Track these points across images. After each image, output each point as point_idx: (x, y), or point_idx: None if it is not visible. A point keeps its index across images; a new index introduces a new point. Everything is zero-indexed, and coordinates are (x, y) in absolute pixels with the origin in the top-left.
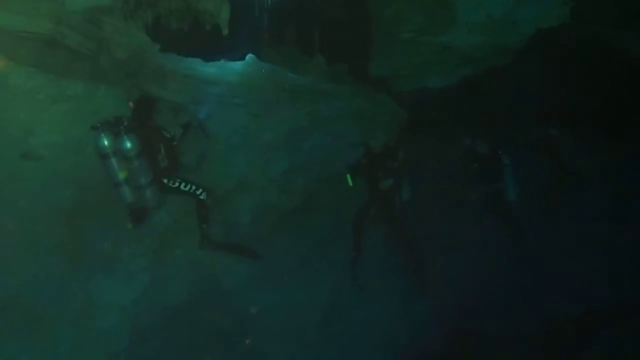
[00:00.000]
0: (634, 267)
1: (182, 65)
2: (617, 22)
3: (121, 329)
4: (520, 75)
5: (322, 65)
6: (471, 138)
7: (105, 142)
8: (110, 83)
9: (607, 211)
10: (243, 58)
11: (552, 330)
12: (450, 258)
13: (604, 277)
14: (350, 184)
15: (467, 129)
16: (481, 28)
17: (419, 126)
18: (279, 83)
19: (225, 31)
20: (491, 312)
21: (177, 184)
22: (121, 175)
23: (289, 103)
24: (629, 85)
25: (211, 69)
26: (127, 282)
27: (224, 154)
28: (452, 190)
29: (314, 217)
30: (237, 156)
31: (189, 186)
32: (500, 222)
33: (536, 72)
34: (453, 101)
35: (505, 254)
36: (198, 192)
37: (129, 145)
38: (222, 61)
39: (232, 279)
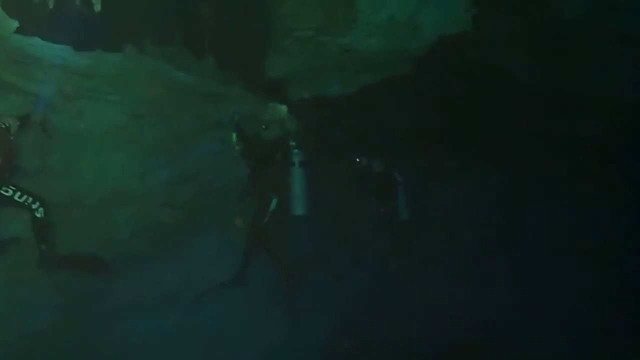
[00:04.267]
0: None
1: (48, 52)
2: (508, 43)
3: None
4: (418, 89)
5: (212, 65)
6: (368, 154)
7: None
8: None
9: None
10: (122, 50)
11: (443, 354)
12: (338, 280)
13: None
14: (234, 139)
15: (363, 144)
16: (382, 31)
17: (314, 138)
18: (163, 81)
19: (98, 7)
20: (371, 336)
21: (10, 192)
22: None
23: (174, 104)
24: (511, 111)
25: (84, 59)
26: None
27: (96, 157)
28: (346, 208)
29: (201, 235)
30: (113, 161)
31: (24, 197)
32: (392, 242)
33: (435, 85)
34: (351, 112)
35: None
36: (34, 207)
37: None
38: (98, 51)
39: (106, 304)
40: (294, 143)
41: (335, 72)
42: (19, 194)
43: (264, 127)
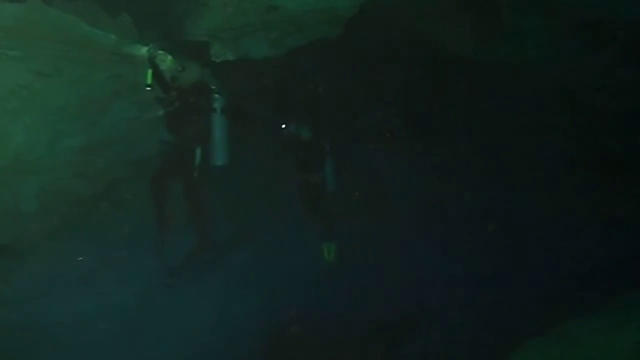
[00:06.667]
0: (442, 271)
1: None
2: (434, 9)
3: None
4: (349, 52)
5: (128, 23)
6: (296, 123)
7: None
8: None
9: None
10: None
11: (367, 335)
12: (266, 258)
13: (418, 281)
14: (148, 82)
15: (292, 112)
16: None
17: (239, 103)
18: (72, 37)
19: None
20: (307, 315)
21: None
22: None
23: (86, 63)
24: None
25: None
26: None
27: None
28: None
29: (118, 208)
30: (16, 125)
31: None
32: (317, 215)
33: (365, 50)
34: (279, 76)
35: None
36: None
37: None
38: None
39: (13, 286)
40: (214, 87)
41: (261, 32)
42: None
43: (180, 69)
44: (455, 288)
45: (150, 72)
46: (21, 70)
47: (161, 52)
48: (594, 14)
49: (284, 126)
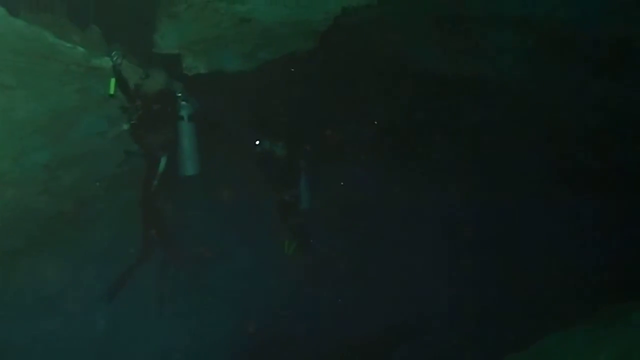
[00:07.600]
0: (422, 286)
1: None
2: (409, 26)
3: None
4: (323, 67)
5: (97, 36)
6: (269, 139)
7: None
8: None
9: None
10: None
11: (349, 350)
12: (237, 279)
13: (401, 296)
14: (111, 92)
15: (265, 127)
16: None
17: (211, 119)
18: (39, 49)
19: None
20: (284, 333)
21: None
22: None
23: (53, 76)
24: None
25: None
26: None
27: None
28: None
29: (87, 227)
30: None
31: None
32: (291, 232)
33: (339, 65)
34: (252, 92)
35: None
36: None
37: None
38: None
39: None
40: (180, 94)
41: (234, 44)
42: None
43: (144, 76)
44: (436, 304)
45: (113, 80)
46: None
47: (125, 59)
48: (566, 31)
49: (257, 142)
